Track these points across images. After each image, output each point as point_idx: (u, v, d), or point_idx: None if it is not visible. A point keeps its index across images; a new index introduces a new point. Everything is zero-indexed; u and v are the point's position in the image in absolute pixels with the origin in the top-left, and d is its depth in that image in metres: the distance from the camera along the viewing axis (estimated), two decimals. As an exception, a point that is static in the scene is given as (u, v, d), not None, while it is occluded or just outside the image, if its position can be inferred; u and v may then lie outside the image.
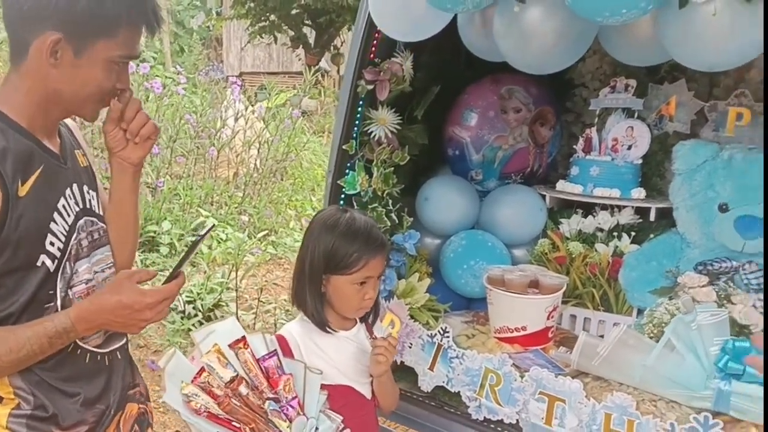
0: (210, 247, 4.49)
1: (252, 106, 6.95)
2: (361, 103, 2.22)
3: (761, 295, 2.22)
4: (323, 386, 1.68)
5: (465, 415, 2.01)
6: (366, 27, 2.13)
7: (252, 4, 13.90)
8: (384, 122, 2.23)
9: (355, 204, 2.23)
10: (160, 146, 5.35)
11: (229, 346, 1.62)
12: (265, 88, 7.81)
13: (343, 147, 2.22)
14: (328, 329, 1.73)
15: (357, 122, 2.22)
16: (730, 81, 2.59)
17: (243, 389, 1.60)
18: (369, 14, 2.05)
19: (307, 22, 15.73)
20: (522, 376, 1.94)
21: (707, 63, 1.77)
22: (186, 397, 1.52)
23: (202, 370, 1.56)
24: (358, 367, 1.77)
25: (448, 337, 2.05)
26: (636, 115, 2.60)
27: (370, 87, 2.17)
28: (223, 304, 4.12)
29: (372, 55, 2.18)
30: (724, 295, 2.19)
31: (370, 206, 2.23)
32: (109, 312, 1.29)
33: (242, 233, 4.89)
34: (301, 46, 16.41)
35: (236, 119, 6.36)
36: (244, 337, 1.64)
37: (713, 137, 2.54)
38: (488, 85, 2.60)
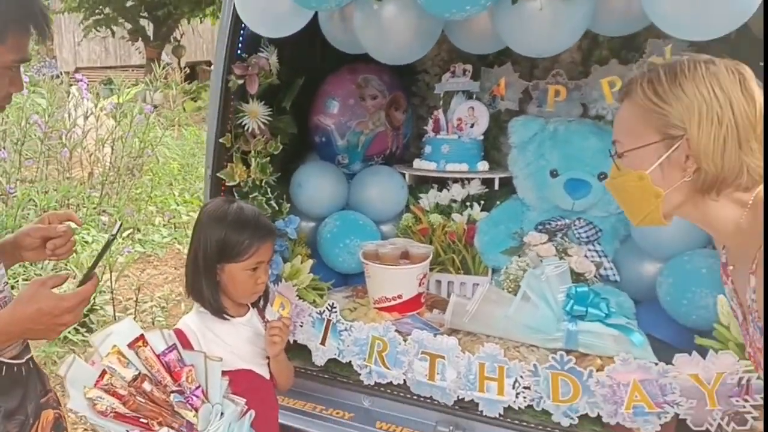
0: (76, 252, 4.19)
1: (97, 102, 6.52)
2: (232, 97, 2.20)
3: (591, 246, 2.48)
4: (224, 372, 1.67)
5: (357, 383, 2.07)
6: (231, 23, 2.10)
7: (84, -4, 12.99)
8: (255, 115, 2.23)
9: (236, 195, 2.22)
10: (7, 150, 4.89)
11: (128, 345, 1.58)
12: (112, 83, 7.33)
13: (220, 140, 2.20)
14: (225, 316, 1.73)
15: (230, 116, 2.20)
16: (547, 63, 2.79)
17: (147, 386, 1.57)
18: (234, 11, 2.04)
19: (143, 14, 14.94)
20: (405, 340, 2.03)
21: (536, 50, 1.95)
22: (90, 401, 1.48)
23: (103, 372, 1.53)
24: (255, 350, 1.79)
25: (335, 312, 2.10)
26: (474, 96, 2.78)
27: (241, 81, 2.16)
28: (98, 307, 3.88)
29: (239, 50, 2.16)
30: (562, 248, 2.42)
31: (250, 196, 2.22)
32: (30, 321, 1.23)
33: (107, 234, 4.61)
34: (140, 39, 15.59)
35: (86, 117, 5.93)
36: (142, 335, 1.61)
37: (537, 112, 2.75)
38: (346, 75, 2.66)
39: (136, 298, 4.04)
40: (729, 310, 1.84)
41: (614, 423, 1.84)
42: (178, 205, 6.08)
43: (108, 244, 1.48)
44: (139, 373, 1.57)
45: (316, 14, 2.03)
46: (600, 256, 2.44)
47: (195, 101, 11.59)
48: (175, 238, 5.42)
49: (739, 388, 1.73)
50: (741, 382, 1.73)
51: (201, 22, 15.50)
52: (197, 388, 1.62)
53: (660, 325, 2.19)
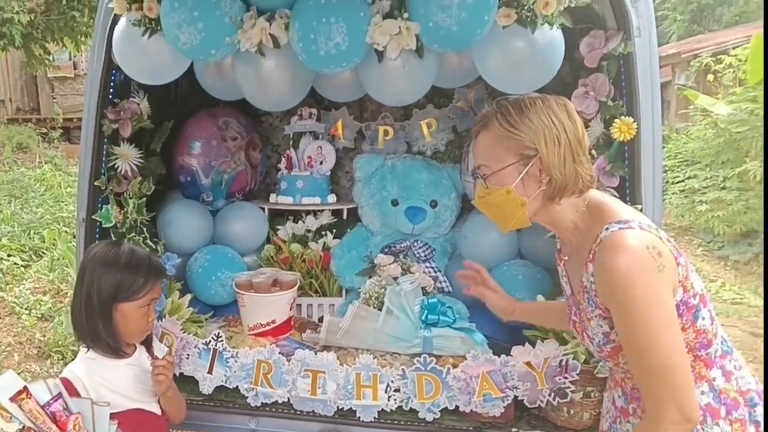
0: None
1: None
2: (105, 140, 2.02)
3: (428, 263, 2.63)
4: (114, 415, 1.57)
5: (244, 405, 1.99)
6: (104, 70, 1.94)
7: None
8: (127, 157, 2.07)
9: (112, 236, 2.03)
10: None
11: (11, 399, 1.43)
12: None
13: (95, 183, 2.02)
14: (121, 354, 1.64)
15: (103, 159, 2.01)
16: (375, 106, 2.90)
17: None
18: (105, 57, 1.91)
19: None
20: (289, 360, 1.99)
21: (396, 100, 2.07)
22: (-24, 460, 1.28)
23: (-15, 430, 1.33)
24: (143, 389, 1.69)
25: (222, 341, 2.00)
26: (321, 136, 2.83)
27: (115, 126, 1.99)
28: None
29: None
30: (406, 267, 2.54)
31: (127, 236, 2.05)
32: None
33: None
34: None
35: None
36: (25, 388, 1.46)
37: (371, 149, 2.86)
38: (206, 118, 2.57)
39: None
40: (547, 306, 2.09)
41: (468, 410, 1.96)
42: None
43: None
44: (24, 426, 1.44)
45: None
46: (435, 272, 2.60)
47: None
48: (-1, 287, 4.70)
49: (560, 368, 1.93)
50: (561, 363, 1.93)
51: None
52: (85, 434, 1.49)
53: (488, 325, 2.32)
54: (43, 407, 1.47)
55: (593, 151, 1.91)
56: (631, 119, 1.88)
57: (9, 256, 5.27)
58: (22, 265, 5.26)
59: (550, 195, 1.32)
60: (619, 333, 1.26)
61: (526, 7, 1.67)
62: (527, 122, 1.29)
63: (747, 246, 6.81)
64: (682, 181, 8.01)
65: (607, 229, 1.24)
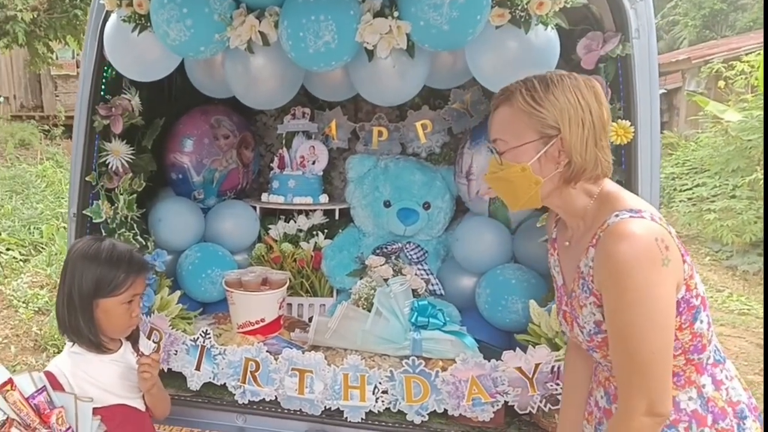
0: None
1: None
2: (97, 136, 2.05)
3: (420, 265, 2.64)
4: (97, 410, 1.59)
5: (231, 403, 2.01)
6: (95, 66, 1.97)
7: None
8: (118, 153, 2.10)
9: (103, 231, 2.06)
10: None
11: None
12: None
13: (86, 179, 2.04)
14: (104, 350, 1.65)
15: (95, 155, 2.04)
16: (369, 107, 2.92)
17: (15, 430, 1.46)
18: (97, 54, 1.94)
19: None
20: (276, 359, 2.01)
21: (387, 100, 2.08)
22: (-42, 449, 1.31)
23: (-30, 419, 1.36)
24: (127, 385, 1.70)
25: (210, 338, 2.02)
26: (313, 136, 2.85)
27: (106, 122, 2.02)
28: None
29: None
30: (397, 269, 2.55)
31: (118, 232, 2.08)
32: None
33: None
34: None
35: None
36: (10, 379, 1.49)
37: (364, 150, 2.88)
38: (199, 115, 2.60)
39: None
40: (540, 311, 2.09)
41: (457, 414, 1.96)
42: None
43: None
44: (7, 417, 1.46)
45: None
46: (427, 274, 2.60)
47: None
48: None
49: (552, 374, 1.93)
50: (553, 370, 1.93)
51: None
52: (68, 429, 1.53)
53: (480, 329, 2.36)
54: (27, 399, 1.50)
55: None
56: (628, 123, 1.85)
57: (8, 250, 5.33)
58: (20, 260, 5.33)
59: (567, 178, 1.29)
60: (607, 318, 1.23)
61: (519, 7, 1.67)
62: (553, 100, 1.25)
63: (756, 256, 6.77)
64: (690, 189, 7.98)
65: (617, 215, 1.22)
